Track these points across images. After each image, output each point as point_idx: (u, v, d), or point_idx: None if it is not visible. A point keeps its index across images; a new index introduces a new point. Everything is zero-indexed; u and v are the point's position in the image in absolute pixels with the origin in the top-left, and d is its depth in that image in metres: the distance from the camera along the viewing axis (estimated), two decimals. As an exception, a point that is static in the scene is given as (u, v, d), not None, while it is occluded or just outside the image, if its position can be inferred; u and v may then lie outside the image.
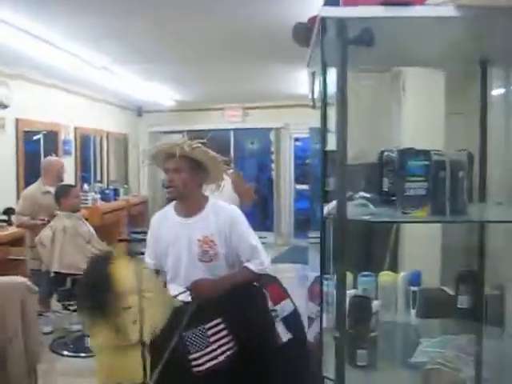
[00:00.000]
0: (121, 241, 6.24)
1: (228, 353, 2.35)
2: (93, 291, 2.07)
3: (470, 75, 4.36)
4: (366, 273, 2.23)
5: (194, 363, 2.31)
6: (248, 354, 2.33)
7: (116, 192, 8.02)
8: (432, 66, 2.47)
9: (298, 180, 9.23)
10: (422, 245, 3.52)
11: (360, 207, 1.74)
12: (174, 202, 2.68)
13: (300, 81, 7.15)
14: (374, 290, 2.15)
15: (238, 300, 2.42)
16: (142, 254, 4.94)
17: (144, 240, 5.85)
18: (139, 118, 9.71)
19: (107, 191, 7.73)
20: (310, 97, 2.11)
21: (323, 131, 1.66)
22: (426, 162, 1.60)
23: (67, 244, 4.21)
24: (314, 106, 2.07)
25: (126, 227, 7.59)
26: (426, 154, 1.61)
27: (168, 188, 2.55)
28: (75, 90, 7.03)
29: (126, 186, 8.83)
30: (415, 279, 2.19)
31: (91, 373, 3.90)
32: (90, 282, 2.12)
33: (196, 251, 2.55)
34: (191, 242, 2.56)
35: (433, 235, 3.04)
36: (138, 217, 8.64)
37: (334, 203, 1.55)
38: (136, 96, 7.88)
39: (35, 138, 6.47)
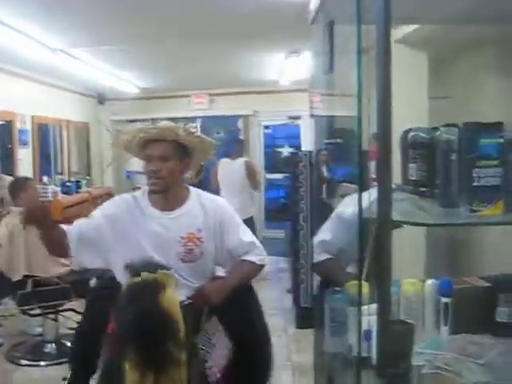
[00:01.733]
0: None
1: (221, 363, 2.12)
2: (146, 336, 1.64)
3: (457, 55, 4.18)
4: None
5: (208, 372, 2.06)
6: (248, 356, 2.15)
7: (78, 184, 7.60)
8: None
9: (267, 169, 8.95)
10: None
11: (399, 202, 1.36)
12: (145, 191, 2.34)
13: (269, 66, 6.86)
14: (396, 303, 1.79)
15: (234, 303, 2.16)
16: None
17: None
18: (101, 106, 9.24)
19: (69, 183, 7.30)
20: (328, 59, 1.76)
21: (359, 107, 1.32)
22: (500, 140, 1.20)
23: (32, 244, 3.76)
24: (329, 70, 1.73)
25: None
26: (498, 128, 1.22)
27: (153, 179, 2.22)
28: (31, 75, 6.55)
29: (88, 177, 8.41)
30: (446, 288, 1.81)
31: (54, 382, 3.65)
32: (142, 323, 1.65)
33: (177, 251, 2.23)
34: (171, 241, 2.23)
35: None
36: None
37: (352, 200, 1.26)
38: (97, 82, 7.43)
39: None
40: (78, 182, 7.66)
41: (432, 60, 4.00)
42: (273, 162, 8.87)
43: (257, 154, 9.01)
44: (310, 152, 4.48)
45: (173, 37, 5.12)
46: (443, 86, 4.22)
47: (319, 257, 2.39)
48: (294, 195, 4.79)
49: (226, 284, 2.26)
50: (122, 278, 2.15)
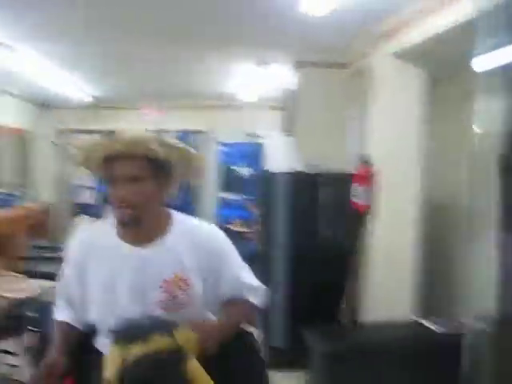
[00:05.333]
0: (18, 258, 5.12)
1: None
2: None
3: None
4: None
5: None
6: None
7: (11, 198, 6.81)
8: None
9: (222, 188, 8.43)
10: None
11: None
12: (112, 219, 1.78)
13: (229, 77, 6.39)
14: None
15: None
16: (50, 276, 4.01)
17: (50, 259, 4.90)
18: (44, 113, 8.51)
19: (1, 196, 6.51)
20: None
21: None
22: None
23: None
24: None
25: (24, 241, 6.41)
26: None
27: (121, 208, 1.67)
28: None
29: (24, 190, 7.62)
30: None
31: None
32: None
33: (157, 297, 1.69)
34: (149, 286, 1.69)
35: None
36: (38, 228, 7.44)
37: None
38: (42, 87, 6.71)
39: None
40: (11, 194, 6.87)
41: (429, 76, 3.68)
42: (228, 182, 8.35)
43: (210, 172, 8.50)
44: (293, 173, 4.01)
45: (127, 37, 4.58)
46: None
47: None
48: (264, 218, 4.32)
49: (225, 329, 1.76)
50: (100, 336, 1.74)
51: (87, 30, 4.27)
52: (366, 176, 3.76)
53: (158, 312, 1.68)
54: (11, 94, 7.32)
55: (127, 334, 1.42)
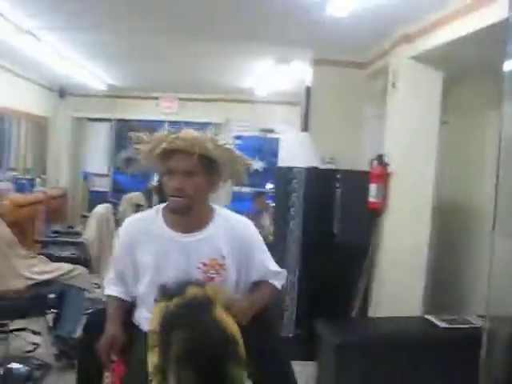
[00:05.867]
0: (38, 242, 5.27)
1: None
2: (209, 358, 1.46)
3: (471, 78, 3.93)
4: None
5: None
6: None
7: (32, 183, 6.97)
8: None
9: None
10: None
11: None
12: (161, 208, 2.02)
13: (247, 73, 6.47)
14: None
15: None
16: (66, 259, 4.14)
17: (67, 243, 5.04)
18: (62, 101, 8.61)
19: (22, 181, 6.66)
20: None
21: None
22: None
23: None
24: None
25: (43, 225, 6.56)
26: None
27: (176, 197, 1.90)
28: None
29: (43, 175, 7.78)
30: None
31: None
32: (201, 341, 1.48)
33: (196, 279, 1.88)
34: (190, 267, 1.92)
35: None
36: (57, 212, 7.61)
37: None
38: (61, 74, 6.83)
39: None
40: (31, 179, 7.04)
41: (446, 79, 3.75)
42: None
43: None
44: (307, 168, 4.11)
45: (148, 30, 4.69)
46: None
47: None
48: (280, 214, 4.42)
49: (254, 303, 1.99)
50: (143, 310, 1.98)
51: (110, 21, 4.40)
52: (381, 175, 3.85)
53: None
54: (33, 81, 7.45)
55: (169, 291, 1.67)
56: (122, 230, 2.08)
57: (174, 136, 1.88)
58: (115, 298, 2.06)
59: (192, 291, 1.64)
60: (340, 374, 3.38)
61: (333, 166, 4.35)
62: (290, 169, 4.20)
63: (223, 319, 1.55)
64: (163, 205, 2.05)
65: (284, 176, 4.29)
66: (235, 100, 8.30)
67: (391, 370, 3.17)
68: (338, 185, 4.03)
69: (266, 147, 8.52)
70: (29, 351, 3.69)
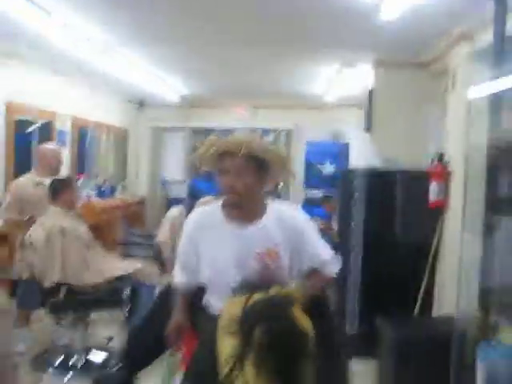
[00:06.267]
0: (118, 244, 5.63)
1: None
2: (290, 349, 1.65)
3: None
4: None
5: None
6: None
7: (112, 189, 7.43)
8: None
9: (307, 185, 8.66)
10: None
11: None
12: (221, 204, 2.25)
13: (316, 79, 6.59)
14: None
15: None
16: (141, 259, 4.40)
17: (144, 244, 5.34)
18: (140, 113, 9.09)
19: (103, 188, 7.12)
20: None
21: None
22: None
23: (68, 250, 3.55)
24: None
25: (121, 228, 6.97)
26: None
27: (228, 194, 2.14)
28: (74, 75, 6.40)
29: (123, 182, 8.24)
30: None
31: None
32: (285, 336, 1.67)
33: (253, 265, 2.10)
34: (247, 256, 2.12)
35: None
36: (135, 218, 8.05)
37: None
38: (139, 87, 7.26)
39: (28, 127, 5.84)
40: (112, 187, 7.51)
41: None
42: (313, 179, 8.57)
43: (298, 169, 8.74)
44: (368, 170, 4.18)
45: (222, 42, 4.91)
46: None
47: None
48: (343, 214, 4.50)
49: (308, 291, 2.13)
50: (212, 296, 2.20)
51: (186, 34, 4.66)
52: (441, 173, 3.85)
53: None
54: (114, 95, 7.93)
55: (250, 286, 1.86)
56: (187, 222, 2.32)
57: (222, 140, 2.10)
58: (181, 286, 2.30)
59: (274, 289, 1.82)
60: (399, 371, 3.42)
61: (394, 166, 4.38)
62: (351, 171, 4.28)
63: (300, 317, 1.70)
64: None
65: (346, 178, 4.38)
66: (305, 106, 8.45)
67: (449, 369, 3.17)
68: (397, 184, 4.07)
69: (336, 151, 8.56)
70: (107, 341, 3.98)
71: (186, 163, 9.13)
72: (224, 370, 1.66)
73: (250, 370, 1.57)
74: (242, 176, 2.10)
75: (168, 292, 2.49)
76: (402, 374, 3.38)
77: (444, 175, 3.86)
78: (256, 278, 1.91)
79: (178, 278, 2.32)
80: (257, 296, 1.77)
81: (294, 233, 2.19)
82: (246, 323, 1.66)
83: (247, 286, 1.85)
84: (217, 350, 1.79)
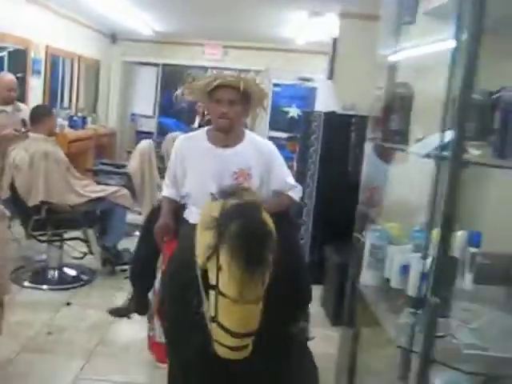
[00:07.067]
0: (88, 171, 5.93)
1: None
2: (256, 242, 1.89)
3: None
4: (418, 228, 2.08)
5: None
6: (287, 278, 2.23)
7: (84, 120, 7.62)
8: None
9: (272, 127, 9.00)
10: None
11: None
12: (206, 130, 2.64)
13: (287, 24, 6.82)
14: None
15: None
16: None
17: (113, 173, 5.65)
18: (113, 45, 9.17)
19: (75, 118, 7.31)
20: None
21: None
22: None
23: (52, 171, 3.89)
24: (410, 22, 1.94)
25: (93, 158, 7.25)
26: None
27: (222, 119, 2.50)
28: (49, 4, 6.49)
29: (94, 114, 8.42)
30: (475, 240, 2.06)
31: (53, 305, 3.78)
32: (253, 231, 1.91)
33: (229, 182, 2.46)
34: (225, 174, 2.50)
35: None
36: (106, 148, 8.31)
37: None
38: (113, 20, 7.36)
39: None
40: (83, 118, 7.68)
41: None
42: (278, 121, 8.90)
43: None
44: (327, 113, 4.54)
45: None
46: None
47: None
48: (302, 153, 4.88)
49: (271, 206, 2.46)
50: (192, 207, 2.54)
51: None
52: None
53: None
54: (87, 26, 8.00)
55: (226, 193, 2.10)
56: (176, 143, 2.69)
57: (226, 74, 2.50)
58: (169, 197, 2.67)
59: (246, 196, 2.11)
60: (341, 292, 3.88)
61: (353, 112, 4.74)
62: (310, 113, 4.64)
63: (266, 218, 2.00)
64: (208, 127, 2.66)
65: (307, 120, 4.74)
66: (275, 49, 8.60)
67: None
68: (352, 127, 4.45)
69: (303, 95, 8.87)
70: (79, 258, 4.36)
71: (157, 99, 9.32)
72: (203, 257, 1.97)
73: (223, 256, 1.85)
74: (233, 105, 2.46)
75: (154, 213, 2.80)
76: (343, 294, 3.84)
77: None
78: (231, 188, 2.21)
79: (165, 191, 2.68)
80: (232, 201, 2.04)
81: (266, 158, 2.56)
82: (223, 220, 1.94)
83: (224, 193, 2.12)
84: (193, 250, 2.07)
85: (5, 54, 5.93)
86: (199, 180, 2.54)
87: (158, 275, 2.63)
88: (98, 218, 4.18)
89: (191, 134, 2.78)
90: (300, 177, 4.87)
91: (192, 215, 2.51)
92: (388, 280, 2.15)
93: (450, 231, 1.49)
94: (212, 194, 2.16)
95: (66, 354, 3.19)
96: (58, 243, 4.25)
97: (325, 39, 7.01)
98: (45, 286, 4.19)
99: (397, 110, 2.13)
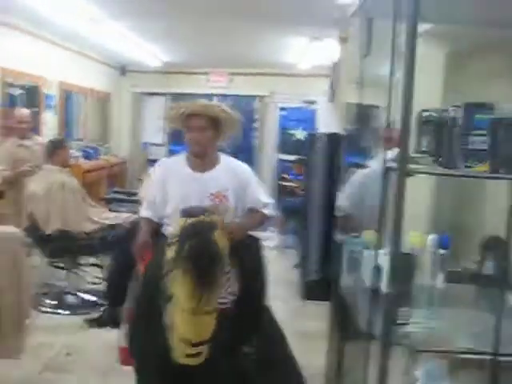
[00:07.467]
0: (102, 200, 6.13)
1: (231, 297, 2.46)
2: (205, 260, 2.07)
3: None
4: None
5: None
6: (247, 299, 2.47)
7: (97, 151, 7.88)
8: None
9: (281, 150, 9.18)
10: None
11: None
12: (184, 155, 2.78)
13: (290, 49, 7.06)
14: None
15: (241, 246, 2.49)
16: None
17: (125, 200, 5.84)
18: (122, 78, 9.49)
19: (88, 150, 7.57)
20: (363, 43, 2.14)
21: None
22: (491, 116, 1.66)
23: (68, 201, 4.12)
24: (366, 55, 2.10)
25: (106, 187, 7.48)
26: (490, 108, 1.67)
27: (195, 146, 2.68)
28: (61, 42, 6.79)
29: (106, 145, 8.68)
30: (445, 242, 2.23)
31: (71, 328, 3.94)
32: (202, 250, 2.10)
33: (207, 203, 2.61)
34: (203, 196, 2.64)
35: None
36: (118, 177, 8.56)
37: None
38: (122, 53, 7.67)
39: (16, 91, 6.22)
40: (96, 149, 7.93)
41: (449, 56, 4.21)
42: (286, 143, 9.09)
43: (271, 134, 9.28)
44: (328, 134, 4.72)
45: (199, 11, 5.33)
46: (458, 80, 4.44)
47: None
48: (306, 173, 5.06)
49: (246, 224, 2.72)
50: (169, 227, 2.64)
51: (162, 5, 5.08)
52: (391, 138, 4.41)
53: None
54: (97, 61, 8.32)
55: (189, 213, 2.28)
56: (156, 167, 2.87)
57: (189, 103, 2.67)
58: (147, 218, 2.80)
59: (203, 216, 2.28)
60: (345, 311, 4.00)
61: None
62: (314, 135, 4.83)
63: (218, 238, 2.17)
64: (186, 153, 2.79)
65: (310, 142, 4.93)
66: (279, 74, 8.81)
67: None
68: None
69: (308, 117, 9.06)
70: (94, 283, 4.54)
71: (166, 128, 9.54)
72: (165, 269, 2.17)
73: (178, 271, 2.06)
74: (204, 132, 2.63)
75: (134, 228, 2.97)
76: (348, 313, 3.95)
77: (393, 140, 4.41)
78: (197, 209, 2.37)
79: (144, 213, 2.80)
80: (190, 220, 2.22)
81: (240, 178, 2.73)
82: (180, 238, 2.14)
83: (185, 212, 2.31)
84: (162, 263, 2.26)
85: (21, 91, 6.17)
86: (179, 202, 2.62)
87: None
88: (112, 243, 4.35)
89: (171, 159, 2.95)
90: (306, 195, 5.04)
91: (170, 231, 2.62)
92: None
93: (399, 232, 1.66)
94: (180, 213, 2.33)
95: (84, 373, 3.37)
96: (75, 269, 4.43)
97: (326, 63, 7.26)
98: (63, 312, 4.36)
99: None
